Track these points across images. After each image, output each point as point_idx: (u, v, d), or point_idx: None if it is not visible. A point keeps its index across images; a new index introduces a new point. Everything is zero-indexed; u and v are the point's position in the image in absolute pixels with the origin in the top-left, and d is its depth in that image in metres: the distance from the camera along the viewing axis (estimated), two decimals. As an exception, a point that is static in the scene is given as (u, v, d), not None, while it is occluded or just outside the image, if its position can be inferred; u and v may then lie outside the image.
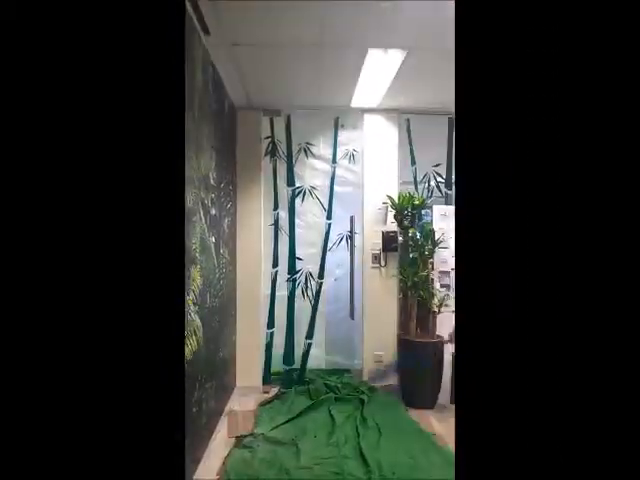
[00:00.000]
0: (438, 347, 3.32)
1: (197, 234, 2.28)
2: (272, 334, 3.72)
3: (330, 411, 3.10)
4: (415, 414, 3.13)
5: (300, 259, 3.75)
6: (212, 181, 2.66)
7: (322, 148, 3.77)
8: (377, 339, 3.69)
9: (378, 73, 2.97)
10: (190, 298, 2.13)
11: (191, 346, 2.13)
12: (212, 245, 2.66)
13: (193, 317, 2.18)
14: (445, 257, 3.55)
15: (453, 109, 1.00)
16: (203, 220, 2.42)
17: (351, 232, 3.78)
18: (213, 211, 2.69)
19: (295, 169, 3.75)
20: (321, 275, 3.77)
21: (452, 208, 3.57)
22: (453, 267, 3.42)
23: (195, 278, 2.23)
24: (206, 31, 2.30)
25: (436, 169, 3.84)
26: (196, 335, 2.23)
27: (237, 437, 2.72)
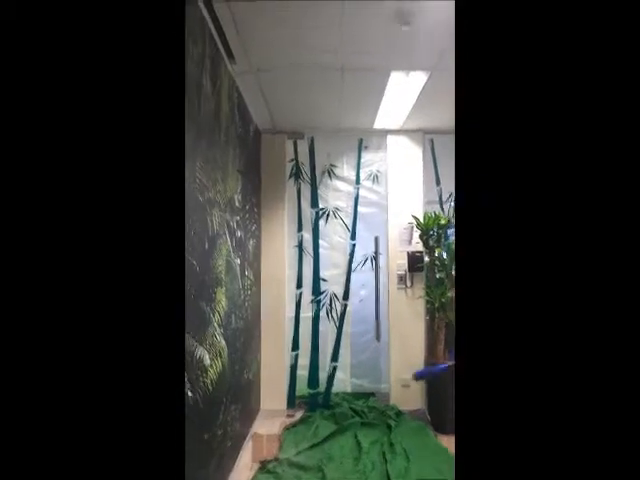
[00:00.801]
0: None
1: (223, 256, 2.31)
2: (297, 356, 3.69)
3: (356, 436, 3.02)
4: (445, 440, 3.02)
5: (325, 280, 3.74)
6: (237, 204, 2.71)
7: (346, 170, 3.80)
8: (404, 362, 3.60)
9: (401, 95, 3.00)
10: (215, 319, 2.14)
11: (216, 367, 2.13)
12: (237, 267, 2.68)
13: (218, 339, 2.19)
14: (472, 278, 3.46)
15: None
16: (229, 242, 2.45)
17: (376, 253, 3.76)
18: (238, 233, 2.72)
19: (319, 191, 3.78)
20: (346, 296, 3.74)
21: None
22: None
23: (220, 300, 2.25)
24: (231, 57, 2.38)
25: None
26: (221, 357, 2.23)
27: (261, 462, 2.68)
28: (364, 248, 3.78)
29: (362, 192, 3.79)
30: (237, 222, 2.69)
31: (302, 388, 3.67)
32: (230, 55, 2.34)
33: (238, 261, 2.71)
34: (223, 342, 2.28)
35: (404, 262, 3.65)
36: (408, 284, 3.65)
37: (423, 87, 2.85)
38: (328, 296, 3.74)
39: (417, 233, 3.58)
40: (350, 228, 3.77)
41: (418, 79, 2.75)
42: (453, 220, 3.60)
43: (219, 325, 2.21)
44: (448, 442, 2.98)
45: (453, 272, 3.41)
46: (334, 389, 3.67)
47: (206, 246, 2.00)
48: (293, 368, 3.68)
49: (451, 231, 3.65)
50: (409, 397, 3.57)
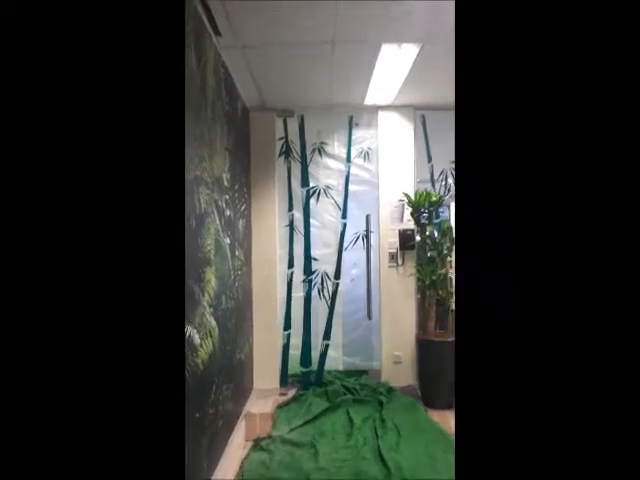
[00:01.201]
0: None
1: (212, 235, 2.27)
2: (289, 336, 3.70)
3: (348, 413, 3.06)
4: (435, 415, 3.07)
5: (316, 259, 3.72)
6: (226, 182, 2.66)
7: (336, 147, 3.74)
8: (395, 339, 3.63)
9: (392, 69, 2.93)
10: (205, 299, 2.12)
11: (206, 347, 2.12)
12: (227, 246, 2.65)
13: (208, 319, 2.17)
14: (464, 255, 3.46)
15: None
16: (217, 221, 2.41)
17: (367, 231, 3.74)
18: (227, 212, 2.68)
19: (309, 169, 3.72)
20: (337, 275, 3.73)
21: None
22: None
23: (210, 279, 2.22)
24: (217, 32, 2.30)
25: (453, 165, 3.76)
26: (211, 336, 2.22)
27: (255, 439, 2.70)
28: (355, 226, 3.76)
29: (353, 170, 3.74)
30: (226, 201, 2.65)
31: (295, 367, 3.69)
32: (215, 28, 2.26)
33: (228, 241, 2.68)
34: (213, 322, 2.27)
35: (395, 240, 3.64)
36: (399, 262, 3.65)
37: (414, 61, 2.79)
38: (320, 275, 3.73)
39: (408, 211, 3.56)
40: (341, 206, 3.74)
41: (410, 52, 2.68)
42: (445, 198, 3.58)
43: (209, 305, 2.19)
44: (439, 417, 3.04)
45: (444, 250, 3.42)
46: (326, 367, 3.70)
47: (193, 225, 1.96)
48: (285, 347, 3.69)
49: (442, 209, 3.63)
50: (400, 374, 3.61)
